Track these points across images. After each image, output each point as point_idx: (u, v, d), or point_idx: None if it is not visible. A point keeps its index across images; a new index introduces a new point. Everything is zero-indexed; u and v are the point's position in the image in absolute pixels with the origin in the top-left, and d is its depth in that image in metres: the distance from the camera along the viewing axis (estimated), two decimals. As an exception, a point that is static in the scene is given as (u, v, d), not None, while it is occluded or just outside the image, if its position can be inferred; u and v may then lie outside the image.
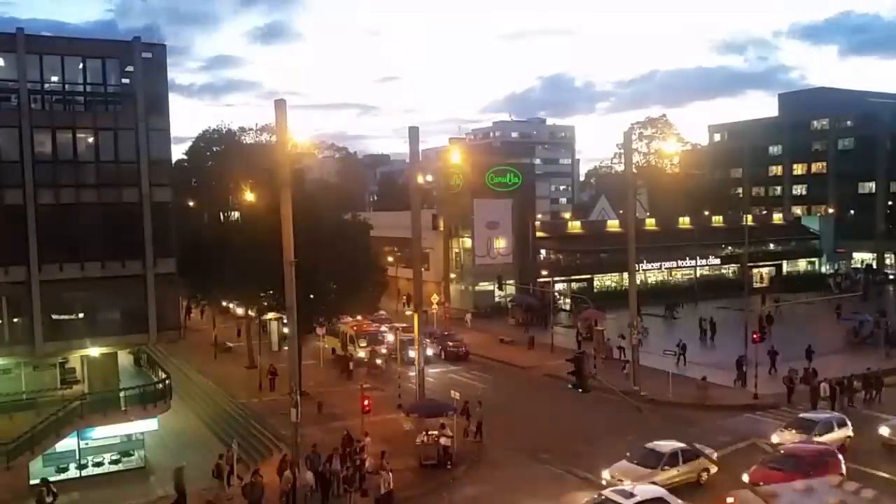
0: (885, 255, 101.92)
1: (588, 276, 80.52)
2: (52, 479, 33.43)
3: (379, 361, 52.86)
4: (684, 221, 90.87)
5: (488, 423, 36.98)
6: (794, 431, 34.53)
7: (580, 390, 43.12)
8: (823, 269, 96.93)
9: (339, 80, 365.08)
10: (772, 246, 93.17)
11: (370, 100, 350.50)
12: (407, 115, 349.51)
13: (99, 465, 35.38)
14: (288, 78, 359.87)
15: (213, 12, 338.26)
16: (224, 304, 63.40)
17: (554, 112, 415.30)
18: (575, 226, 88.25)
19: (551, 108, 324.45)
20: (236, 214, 58.40)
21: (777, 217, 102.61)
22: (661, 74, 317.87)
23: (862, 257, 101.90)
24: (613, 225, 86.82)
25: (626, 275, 58.65)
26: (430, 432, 34.74)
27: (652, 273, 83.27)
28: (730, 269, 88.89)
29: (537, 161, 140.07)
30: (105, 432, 34.98)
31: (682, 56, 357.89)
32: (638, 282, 52.90)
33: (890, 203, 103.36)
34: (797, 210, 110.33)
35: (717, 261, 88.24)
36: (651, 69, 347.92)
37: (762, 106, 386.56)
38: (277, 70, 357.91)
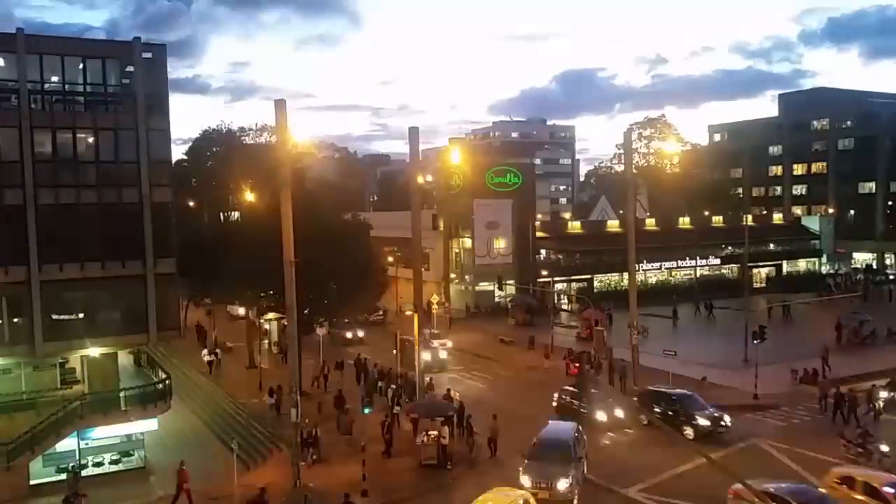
0: (886, 256, 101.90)
1: (588, 277, 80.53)
2: (52, 479, 33.57)
3: None
4: (684, 221, 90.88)
5: (486, 424, 36.83)
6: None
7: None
8: (824, 270, 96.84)
9: (351, 82, 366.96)
10: (772, 246, 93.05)
11: (381, 101, 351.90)
12: (420, 117, 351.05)
13: (99, 465, 35.35)
14: (301, 80, 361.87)
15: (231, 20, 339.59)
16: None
17: (570, 113, 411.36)
18: (575, 226, 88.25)
19: (569, 108, 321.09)
20: (236, 214, 58.44)
21: (777, 217, 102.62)
22: (682, 75, 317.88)
23: (862, 257, 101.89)
24: (613, 225, 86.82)
25: (626, 275, 58.61)
26: (429, 432, 34.73)
27: (652, 273, 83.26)
28: (730, 270, 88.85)
29: (537, 161, 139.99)
30: (105, 432, 34.98)
31: (705, 56, 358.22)
32: (638, 282, 52.91)
33: (890, 203, 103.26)
34: (797, 210, 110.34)
35: (718, 261, 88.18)
36: (671, 69, 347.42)
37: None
38: (293, 72, 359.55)
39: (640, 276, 70.55)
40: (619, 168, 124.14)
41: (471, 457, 34.52)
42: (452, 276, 77.23)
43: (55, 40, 37.78)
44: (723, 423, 36.87)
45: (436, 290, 72.32)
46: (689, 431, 36.27)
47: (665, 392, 39.70)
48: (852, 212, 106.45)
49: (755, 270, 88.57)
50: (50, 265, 35.08)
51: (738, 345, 51.93)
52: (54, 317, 35.73)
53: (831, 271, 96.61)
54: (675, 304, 71.65)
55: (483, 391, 46.87)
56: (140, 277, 37.10)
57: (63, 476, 33.70)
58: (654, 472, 32.26)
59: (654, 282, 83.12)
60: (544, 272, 77.47)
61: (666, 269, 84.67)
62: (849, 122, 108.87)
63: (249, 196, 51.81)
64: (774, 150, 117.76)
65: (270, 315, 55.60)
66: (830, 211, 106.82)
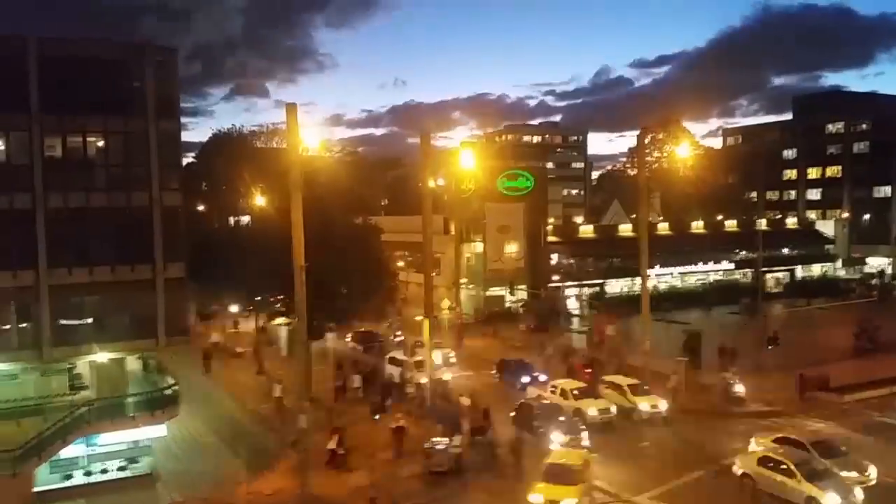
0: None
1: (600, 281, 79.90)
2: (57, 486, 33.30)
3: None
4: (698, 226, 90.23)
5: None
6: None
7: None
8: (839, 275, 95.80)
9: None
10: (786, 251, 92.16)
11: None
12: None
13: (105, 471, 35.01)
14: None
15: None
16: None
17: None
18: (587, 230, 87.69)
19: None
20: (246, 218, 58.33)
21: (791, 222, 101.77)
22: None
23: (877, 262, 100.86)
24: (626, 229, 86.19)
25: (638, 279, 57.98)
26: (435, 439, 34.36)
27: (665, 278, 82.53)
28: (743, 275, 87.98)
29: (550, 165, 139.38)
30: (112, 438, 34.66)
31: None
32: (650, 287, 52.41)
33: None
34: (811, 214, 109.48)
35: (731, 265, 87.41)
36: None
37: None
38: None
39: (652, 281, 69.90)
40: (632, 172, 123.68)
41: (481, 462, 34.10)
42: (463, 280, 76.77)
43: (65, 42, 37.51)
44: None
45: (447, 294, 71.92)
46: None
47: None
48: (867, 216, 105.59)
49: (769, 275, 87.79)
50: (58, 269, 34.83)
51: (750, 350, 51.41)
52: (62, 321, 35.46)
53: (846, 276, 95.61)
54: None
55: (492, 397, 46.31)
56: (149, 282, 36.84)
57: (68, 483, 33.56)
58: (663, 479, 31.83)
59: (665, 287, 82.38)
60: (556, 277, 76.94)
61: (679, 273, 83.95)
62: (864, 126, 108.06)
63: (260, 200, 51.61)
64: (789, 153, 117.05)
65: (280, 320, 55.32)
66: (845, 215, 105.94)
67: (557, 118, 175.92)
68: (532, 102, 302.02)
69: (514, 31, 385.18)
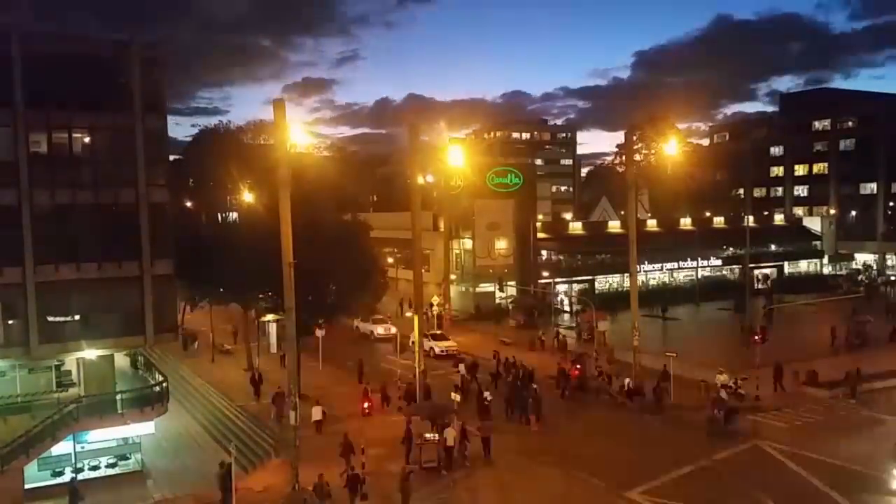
0: (887, 256, 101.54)
1: (589, 278, 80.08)
2: (47, 483, 33.18)
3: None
4: (686, 222, 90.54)
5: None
6: None
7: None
8: (825, 271, 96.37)
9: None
10: (773, 247, 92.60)
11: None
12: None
13: (95, 468, 34.92)
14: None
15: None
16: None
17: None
18: (576, 227, 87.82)
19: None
20: (234, 215, 57.99)
21: (778, 218, 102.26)
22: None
23: (864, 258, 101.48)
24: (615, 226, 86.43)
25: (627, 276, 58.13)
26: (426, 434, 34.37)
27: (654, 274, 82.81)
28: (731, 271, 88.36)
29: (539, 161, 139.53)
30: (101, 436, 34.59)
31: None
32: (639, 283, 52.52)
33: (892, 204, 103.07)
34: (798, 211, 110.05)
35: (719, 262, 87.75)
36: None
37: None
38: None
39: (641, 278, 70.08)
40: (620, 168, 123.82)
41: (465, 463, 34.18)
42: (453, 277, 76.79)
43: (52, 37, 37.21)
44: None
45: (436, 291, 71.98)
46: None
47: None
48: (853, 212, 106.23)
49: (756, 271, 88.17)
50: (45, 266, 34.56)
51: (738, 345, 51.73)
52: (50, 318, 35.07)
53: (833, 273, 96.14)
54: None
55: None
56: (137, 279, 36.57)
57: (58, 480, 33.45)
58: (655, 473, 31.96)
59: (655, 283, 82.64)
60: (545, 273, 77.04)
61: (667, 270, 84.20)
62: (850, 123, 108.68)
63: (248, 196, 51.39)
64: (776, 150, 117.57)
65: (269, 316, 55.18)
66: (832, 212, 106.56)
67: (569, 116, 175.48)
68: (555, 102, 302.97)
69: (538, 30, 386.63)
